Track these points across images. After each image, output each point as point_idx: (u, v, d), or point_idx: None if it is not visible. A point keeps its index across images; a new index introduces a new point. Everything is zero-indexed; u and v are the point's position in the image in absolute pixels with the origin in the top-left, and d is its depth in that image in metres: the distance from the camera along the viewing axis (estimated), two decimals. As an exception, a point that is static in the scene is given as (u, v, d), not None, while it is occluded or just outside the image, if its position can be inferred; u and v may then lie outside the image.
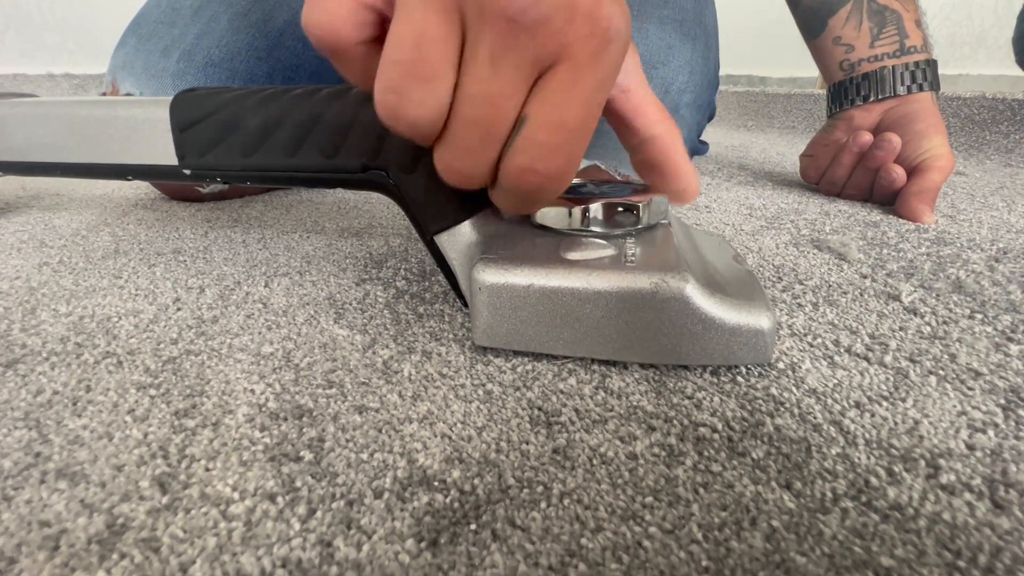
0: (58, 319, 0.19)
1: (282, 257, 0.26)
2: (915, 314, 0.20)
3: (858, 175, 0.37)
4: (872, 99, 0.37)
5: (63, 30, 1.37)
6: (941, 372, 0.16)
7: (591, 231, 0.17)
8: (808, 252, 0.27)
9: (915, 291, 0.22)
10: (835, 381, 0.16)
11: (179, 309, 0.20)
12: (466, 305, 0.18)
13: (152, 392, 0.15)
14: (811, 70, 0.88)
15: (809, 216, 0.34)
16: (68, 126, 0.21)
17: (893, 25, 0.36)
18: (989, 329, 0.19)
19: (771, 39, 1.78)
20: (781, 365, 0.16)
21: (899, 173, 0.34)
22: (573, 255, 0.16)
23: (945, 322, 0.19)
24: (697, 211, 0.36)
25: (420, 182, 0.17)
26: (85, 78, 1.38)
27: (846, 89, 0.38)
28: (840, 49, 0.38)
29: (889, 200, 0.36)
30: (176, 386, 0.15)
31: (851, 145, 0.36)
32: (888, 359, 0.17)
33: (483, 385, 0.15)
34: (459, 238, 0.17)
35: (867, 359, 0.17)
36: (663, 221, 0.19)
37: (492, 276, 0.15)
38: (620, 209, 0.17)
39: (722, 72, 1.69)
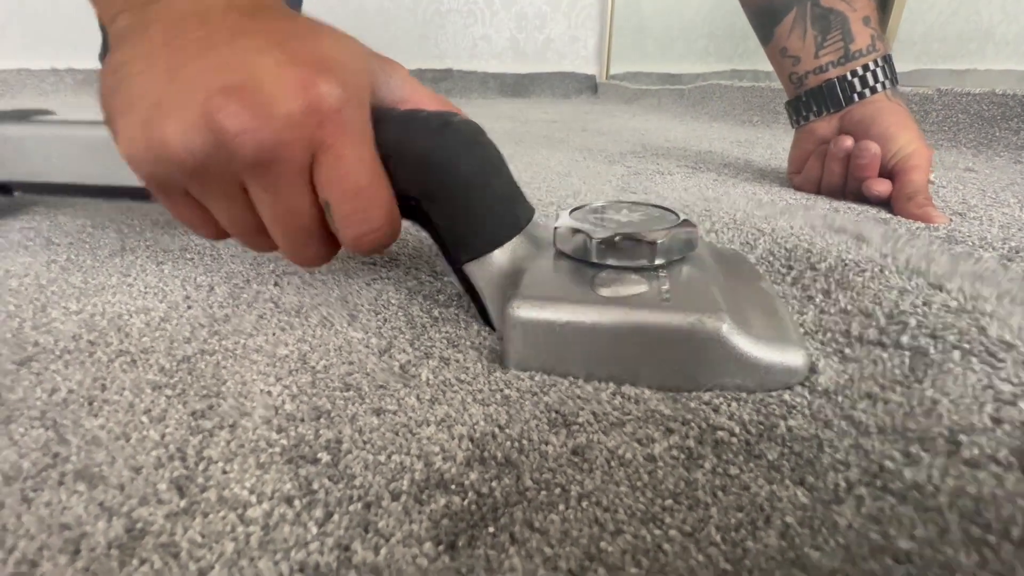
0: (69, 316, 0.19)
1: (291, 255, 0.26)
2: (941, 290, 0.20)
3: (852, 182, 0.37)
4: (824, 113, 0.37)
5: (66, 24, 1.37)
6: (967, 346, 0.16)
7: (621, 265, 0.17)
8: (825, 233, 0.27)
9: (939, 269, 0.22)
10: (847, 376, 0.15)
11: (190, 307, 0.20)
12: (493, 328, 0.18)
13: (168, 392, 0.15)
14: None
15: (820, 211, 0.34)
16: (86, 148, 0.21)
17: (838, 29, 0.36)
18: (1018, 308, 0.19)
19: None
20: (796, 366, 0.16)
21: (882, 188, 0.34)
22: (607, 291, 0.16)
23: (974, 297, 0.19)
24: (706, 202, 0.36)
25: (449, 212, 0.17)
26: (89, 73, 1.38)
27: (801, 104, 0.39)
28: (788, 61, 0.38)
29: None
30: (192, 386, 0.15)
31: (835, 151, 0.36)
32: (906, 339, 0.17)
33: (501, 390, 0.15)
34: (488, 268, 0.17)
35: (881, 344, 0.17)
36: (695, 251, 0.18)
37: (528, 312, 0.16)
38: (641, 242, 0.17)
39: (728, 67, 1.70)
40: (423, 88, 0.20)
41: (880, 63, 0.36)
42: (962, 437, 0.12)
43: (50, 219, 0.33)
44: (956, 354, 0.15)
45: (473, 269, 0.18)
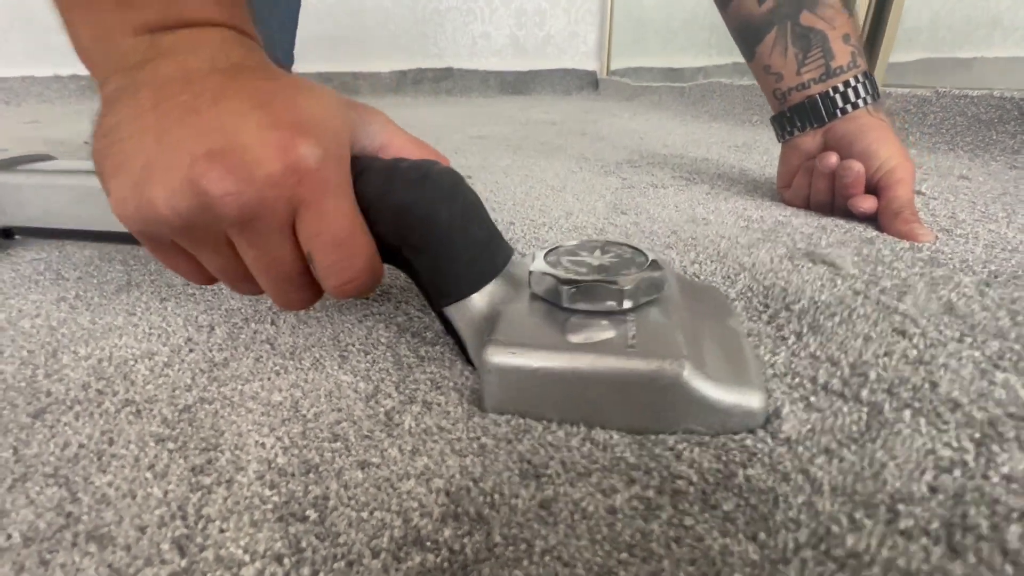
0: (79, 363, 0.21)
1: (288, 289, 0.27)
2: (904, 336, 0.21)
3: (839, 199, 0.37)
4: (808, 128, 0.37)
5: (69, 32, 1.38)
6: (918, 404, 0.17)
7: (591, 310, 0.18)
8: (802, 266, 0.28)
9: (908, 310, 0.22)
10: (808, 426, 0.16)
11: (191, 351, 0.21)
12: (473, 367, 0.19)
13: (170, 445, 0.16)
14: None
15: (806, 230, 0.35)
16: (82, 197, 0.22)
17: (818, 47, 0.36)
18: (977, 354, 0.19)
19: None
20: (760, 411, 0.17)
21: (868, 205, 0.35)
22: (577, 337, 0.17)
23: (932, 345, 0.20)
24: (695, 224, 0.36)
25: (429, 260, 0.18)
26: (92, 80, 1.39)
27: (785, 120, 0.39)
28: (771, 78, 0.39)
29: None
30: (192, 438, 0.16)
31: (821, 168, 0.37)
32: (865, 393, 0.17)
33: (478, 438, 0.16)
34: (467, 311, 0.18)
35: (843, 395, 0.18)
36: (663, 293, 0.19)
37: (502, 358, 0.16)
38: (610, 287, 0.18)
39: (730, 60, 1.68)
40: (402, 133, 0.21)
41: (861, 79, 0.36)
42: (900, 506, 0.13)
43: (59, 249, 0.34)
44: (907, 413, 0.16)
45: (452, 312, 0.19)
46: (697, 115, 1.04)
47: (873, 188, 0.36)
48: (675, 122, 0.99)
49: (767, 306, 0.24)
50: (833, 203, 0.38)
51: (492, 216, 0.38)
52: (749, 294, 0.25)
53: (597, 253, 0.21)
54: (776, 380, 0.19)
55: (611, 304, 0.18)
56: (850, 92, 0.36)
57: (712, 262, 0.29)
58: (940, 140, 0.64)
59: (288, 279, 0.18)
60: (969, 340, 0.20)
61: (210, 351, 0.21)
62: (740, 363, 0.18)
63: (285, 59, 0.51)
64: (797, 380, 0.19)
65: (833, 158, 0.37)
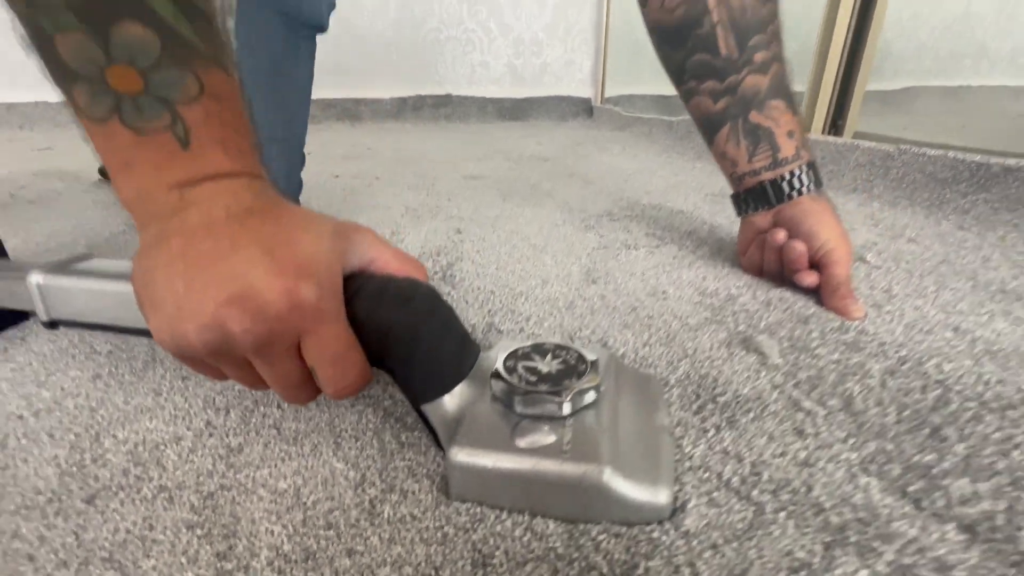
0: (118, 447, 0.25)
1: (291, 367, 0.32)
2: (800, 436, 0.25)
3: (787, 272, 0.42)
4: (760, 209, 0.42)
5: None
6: (792, 507, 0.21)
7: (537, 415, 0.22)
8: (736, 354, 0.32)
9: (812, 407, 0.27)
10: (706, 521, 0.20)
11: (211, 435, 0.26)
12: (444, 453, 0.24)
13: (199, 532, 0.20)
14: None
15: (752, 307, 0.39)
16: (121, 301, 0.25)
17: (766, 141, 0.41)
18: (853, 456, 0.24)
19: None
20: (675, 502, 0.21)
21: (810, 280, 0.39)
22: (523, 442, 0.21)
23: (820, 447, 0.24)
24: (655, 298, 0.41)
25: (409, 369, 0.23)
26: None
27: (740, 200, 0.45)
28: (727, 163, 0.44)
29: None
30: (216, 525, 0.21)
31: (770, 244, 0.41)
32: (755, 493, 0.22)
33: (442, 528, 0.20)
34: (439, 409, 0.23)
35: (739, 493, 0.22)
36: (599, 396, 0.23)
37: (463, 458, 0.21)
38: (552, 399, 0.22)
39: None
40: (387, 248, 0.25)
41: (805, 169, 0.41)
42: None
43: (88, 316, 0.38)
44: (783, 515, 0.20)
45: (427, 409, 0.23)
46: (683, 151, 1.09)
47: (816, 264, 0.40)
48: (661, 159, 1.03)
49: (698, 396, 0.28)
50: (782, 274, 0.42)
51: (476, 283, 0.42)
52: (686, 381, 0.30)
53: (548, 358, 0.25)
54: (690, 473, 0.23)
55: (553, 410, 0.22)
56: (795, 180, 0.41)
57: (661, 345, 0.33)
58: (901, 195, 0.68)
59: (295, 385, 0.22)
60: (852, 441, 0.24)
61: (226, 436, 0.26)
62: (656, 461, 0.22)
63: (293, 178, 0.56)
64: (707, 475, 0.23)
65: (781, 235, 0.41)
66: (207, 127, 0.21)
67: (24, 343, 0.35)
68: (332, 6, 0.57)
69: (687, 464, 0.24)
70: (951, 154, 0.64)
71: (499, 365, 0.24)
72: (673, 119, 1.21)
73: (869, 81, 2.04)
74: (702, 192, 0.76)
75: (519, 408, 0.22)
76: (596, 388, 0.23)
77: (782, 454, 0.24)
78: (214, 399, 0.29)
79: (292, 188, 0.56)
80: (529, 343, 0.26)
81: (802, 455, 0.24)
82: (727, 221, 0.62)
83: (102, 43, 0.19)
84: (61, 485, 0.23)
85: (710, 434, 0.25)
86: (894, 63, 2.00)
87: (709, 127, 0.44)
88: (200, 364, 0.22)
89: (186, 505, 0.22)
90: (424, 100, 1.60)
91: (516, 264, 0.48)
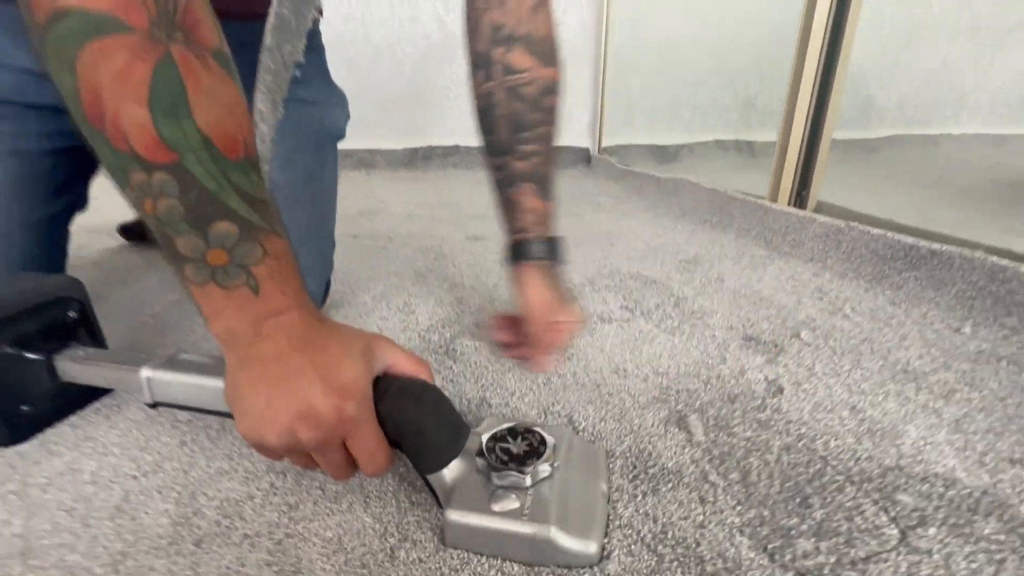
0: (209, 502, 0.35)
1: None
2: (702, 503, 0.34)
3: None
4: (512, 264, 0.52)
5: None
6: (683, 559, 0.30)
7: (507, 486, 0.32)
8: (670, 431, 0.41)
9: (716, 480, 0.36)
10: (623, 567, 0.30)
11: (275, 494, 0.35)
12: (442, 511, 0.33)
13: (275, 568, 0.30)
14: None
15: (693, 386, 0.48)
16: (215, 394, 0.35)
17: (513, 213, 0.52)
18: (736, 520, 0.33)
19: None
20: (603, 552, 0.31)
21: (496, 336, 0.54)
22: (496, 507, 0.30)
23: (714, 512, 0.33)
24: (617, 376, 0.50)
25: (417, 450, 0.32)
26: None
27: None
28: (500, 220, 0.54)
29: None
30: (286, 564, 0.30)
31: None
32: (660, 547, 0.31)
33: (440, 568, 0.30)
34: (439, 479, 0.32)
35: (649, 547, 0.31)
36: (554, 470, 0.33)
37: (455, 517, 0.30)
38: (520, 474, 0.31)
39: (711, 137, 1.89)
40: (401, 352, 0.34)
41: (535, 241, 0.50)
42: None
43: (165, 386, 0.48)
44: (675, 564, 0.30)
45: (430, 479, 0.33)
46: (668, 209, 1.19)
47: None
48: (647, 216, 1.14)
49: (635, 467, 0.38)
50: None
51: (473, 358, 0.51)
52: (628, 454, 0.39)
53: (519, 440, 0.34)
54: (619, 530, 0.32)
55: (518, 483, 0.32)
56: (525, 248, 0.50)
57: (614, 421, 0.43)
58: (849, 267, 0.78)
59: (343, 470, 0.32)
60: (739, 508, 0.34)
61: (286, 495, 0.35)
62: (591, 520, 0.31)
63: (327, 264, 0.67)
64: (630, 531, 0.32)
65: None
66: (270, 279, 0.31)
67: (120, 412, 0.45)
68: (348, 117, 0.69)
69: (617, 522, 0.33)
70: (889, 234, 0.74)
71: (483, 445, 0.34)
72: (661, 176, 1.32)
73: (854, 131, 2.15)
74: (677, 258, 0.86)
75: (495, 480, 0.32)
76: (551, 464, 0.33)
77: (685, 517, 0.33)
78: (274, 463, 0.38)
79: (327, 271, 0.66)
80: (505, 426, 0.36)
81: (699, 518, 0.33)
82: (692, 292, 0.71)
83: (204, 238, 0.29)
84: (175, 532, 0.32)
85: (638, 499, 0.35)
86: (877, 113, 2.12)
87: (493, 186, 0.54)
88: (272, 454, 0.32)
89: (263, 549, 0.31)
90: (434, 150, 1.73)
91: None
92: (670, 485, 0.36)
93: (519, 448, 0.34)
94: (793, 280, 0.75)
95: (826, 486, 0.36)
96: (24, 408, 0.41)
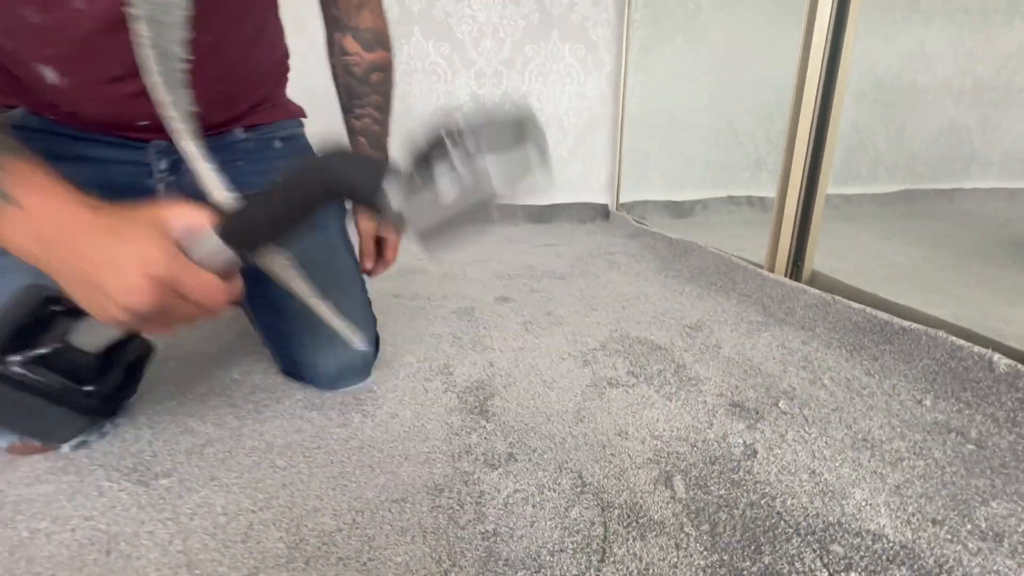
0: (311, 533, 0.47)
1: None
2: (677, 548, 0.45)
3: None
4: None
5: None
6: None
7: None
8: (658, 489, 0.52)
9: (690, 530, 0.46)
10: (615, 593, 0.40)
11: (356, 527, 0.47)
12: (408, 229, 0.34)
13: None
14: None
15: (681, 449, 0.59)
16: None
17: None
18: (702, 563, 0.43)
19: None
20: (598, 583, 0.41)
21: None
22: (445, 200, 0.31)
23: (685, 556, 0.44)
24: (620, 437, 0.61)
25: (351, 179, 0.35)
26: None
27: None
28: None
29: None
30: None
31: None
32: None
33: (480, 588, 0.41)
34: (387, 205, 0.33)
35: None
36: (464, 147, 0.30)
37: (419, 226, 0.33)
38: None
39: (724, 193, 2.04)
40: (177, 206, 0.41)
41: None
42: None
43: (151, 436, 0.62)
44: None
45: (384, 209, 0.33)
46: (678, 271, 1.31)
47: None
48: (658, 279, 1.25)
49: (629, 517, 0.48)
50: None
51: (503, 418, 0.62)
52: (624, 506, 0.50)
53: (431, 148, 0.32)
54: (611, 565, 0.43)
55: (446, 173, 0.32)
56: None
57: (615, 478, 0.54)
58: (834, 337, 0.88)
59: (192, 311, 0.39)
60: (706, 553, 0.44)
61: (366, 528, 0.47)
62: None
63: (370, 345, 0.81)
64: (621, 567, 0.43)
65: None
66: (27, 193, 0.36)
67: (233, 457, 0.58)
68: None
69: (612, 559, 0.44)
70: (868, 309, 0.84)
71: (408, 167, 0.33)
72: (673, 237, 1.44)
73: (865, 186, 2.25)
74: (682, 323, 0.97)
75: (429, 182, 0.31)
76: (462, 144, 0.30)
77: (663, 559, 0.44)
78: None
79: (370, 321, 0.78)
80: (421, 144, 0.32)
81: (674, 560, 0.43)
82: (691, 359, 0.82)
83: None
84: (289, 553, 0.45)
85: (629, 542, 0.46)
86: (887, 170, 2.22)
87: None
88: (136, 319, 0.38)
89: (354, 568, 0.43)
90: (464, 207, 1.90)
91: (530, 401, 0.70)
92: (655, 533, 0.47)
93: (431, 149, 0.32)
94: (783, 348, 0.86)
95: (777, 537, 0.46)
96: (87, 388, 0.53)
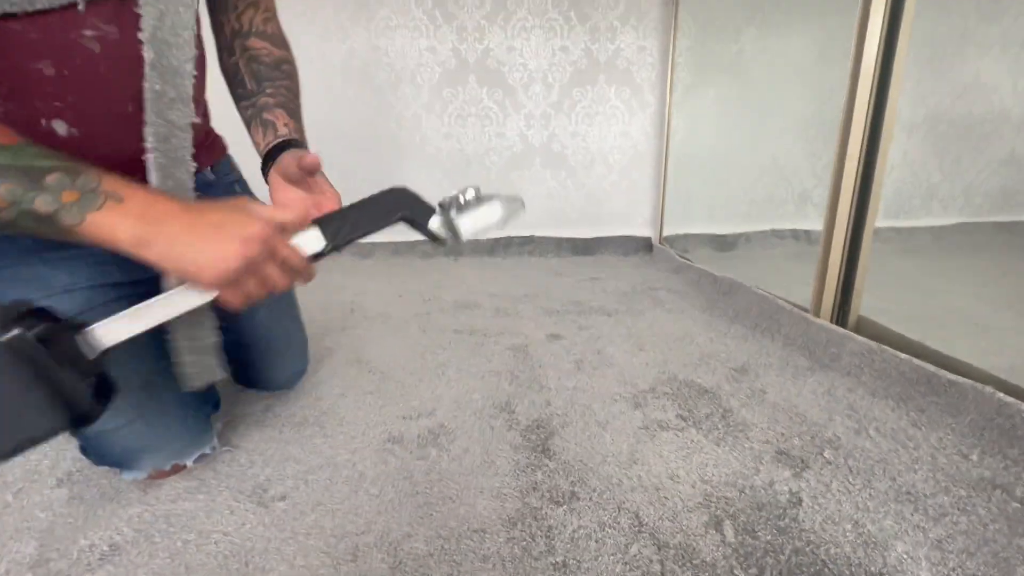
0: (408, 557, 0.56)
1: None
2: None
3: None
4: (275, 162, 0.60)
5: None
6: None
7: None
8: (708, 532, 0.58)
9: (739, 573, 0.52)
10: (673, 626, 0.47)
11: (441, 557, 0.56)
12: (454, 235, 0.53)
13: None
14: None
15: (730, 494, 0.64)
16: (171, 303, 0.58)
17: (271, 128, 0.63)
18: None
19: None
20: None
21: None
22: (476, 208, 0.72)
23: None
24: (672, 480, 0.67)
25: (410, 207, 0.64)
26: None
27: (266, 161, 0.62)
28: (257, 144, 0.65)
29: None
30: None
31: (304, 165, 0.57)
32: None
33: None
34: (433, 224, 0.53)
35: None
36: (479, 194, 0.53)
37: (467, 224, 0.81)
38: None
39: (768, 227, 2.08)
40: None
41: (296, 138, 0.63)
42: None
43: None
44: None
45: (431, 227, 0.53)
46: (723, 311, 1.35)
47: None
48: (703, 318, 1.30)
49: (683, 558, 0.55)
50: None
51: (562, 457, 0.69)
52: (679, 547, 0.56)
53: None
54: (670, 601, 0.49)
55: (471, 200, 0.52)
56: (293, 144, 0.62)
57: (669, 520, 0.60)
58: (880, 385, 0.90)
59: (282, 277, 0.47)
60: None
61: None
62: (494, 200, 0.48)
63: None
64: (677, 602, 0.49)
65: (311, 157, 0.58)
66: (122, 185, 0.41)
67: (331, 490, 0.68)
68: None
69: (669, 596, 0.50)
70: (915, 361, 0.87)
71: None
72: (718, 274, 1.49)
73: (918, 218, 2.22)
74: (727, 366, 1.02)
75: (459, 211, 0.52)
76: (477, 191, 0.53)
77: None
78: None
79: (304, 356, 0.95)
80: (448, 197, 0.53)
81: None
82: (738, 404, 0.87)
83: (47, 189, 0.38)
84: (391, 573, 0.53)
85: (684, 581, 0.52)
86: (941, 203, 2.17)
87: (247, 126, 0.69)
88: (236, 285, 0.44)
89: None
90: (512, 240, 2.00)
91: (587, 442, 0.77)
92: (707, 574, 0.52)
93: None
94: (828, 395, 0.89)
95: (821, 583, 0.51)
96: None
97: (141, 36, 0.50)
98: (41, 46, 0.48)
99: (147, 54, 0.50)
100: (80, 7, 0.48)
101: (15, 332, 0.36)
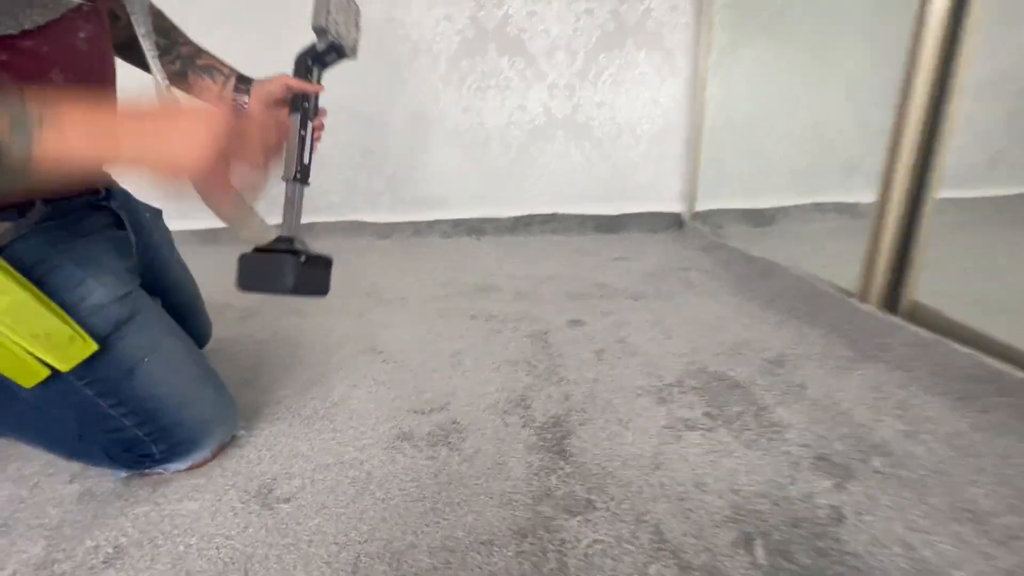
0: (410, 569, 0.53)
1: None
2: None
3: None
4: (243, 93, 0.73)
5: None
6: None
7: None
8: (737, 552, 0.53)
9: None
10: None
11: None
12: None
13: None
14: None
15: (763, 507, 0.59)
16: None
17: (217, 71, 0.73)
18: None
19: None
20: None
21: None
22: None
23: None
24: (698, 489, 0.62)
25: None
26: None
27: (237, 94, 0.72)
28: (205, 92, 0.73)
29: None
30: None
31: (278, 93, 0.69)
32: None
33: None
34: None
35: None
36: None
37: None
38: None
39: (810, 200, 1.93)
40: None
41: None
42: None
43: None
44: None
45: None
46: (758, 294, 1.25)
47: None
48: (734, 302, 1.21)
49: (708, 580, 0.50)
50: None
51: (580, 459, 0.65)
52: (704, 568, 0.51)
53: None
54: (693, 633, 0.45)
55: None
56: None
57: (694, 537, 0.55)
58: (936, 381, 0.81)
59: (263, 144, 0.52)
60: None
61: (459, 570, 0.52)
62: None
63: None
64: (701, 635, 0.45)
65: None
66: (75, 107, 0.43)
67: (334, 494, 0.66)
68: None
69: (692, 627, 0.45)
70: (978, 354, 0.77)
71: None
72: (752, 254, 1.39)
73: (984, 187, 2.03)
74: (761, 357, 0.94)
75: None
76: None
77: None
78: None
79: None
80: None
81: None
82: (773, 400, 0.80)
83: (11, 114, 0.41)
84: (394, 589, 0.50)
85: None
86: (1009, 169, 1.97)
87: (182, 81, 0.72)
88: (218, 159, 0.46)
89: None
90: (534, 218, 1.92)
91: (606, 442, 0.72)
92: None
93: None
94: (876, 391, 0.81)
95: (867, 619, 0.45)
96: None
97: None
98: (51, 57, 0.51)
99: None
100: (85, 7, 0.53)
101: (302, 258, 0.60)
